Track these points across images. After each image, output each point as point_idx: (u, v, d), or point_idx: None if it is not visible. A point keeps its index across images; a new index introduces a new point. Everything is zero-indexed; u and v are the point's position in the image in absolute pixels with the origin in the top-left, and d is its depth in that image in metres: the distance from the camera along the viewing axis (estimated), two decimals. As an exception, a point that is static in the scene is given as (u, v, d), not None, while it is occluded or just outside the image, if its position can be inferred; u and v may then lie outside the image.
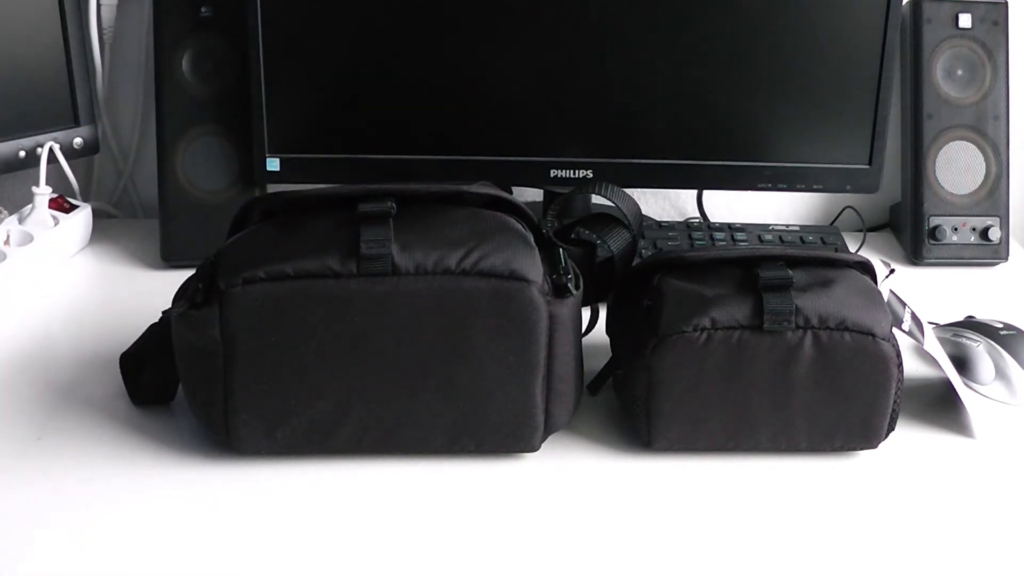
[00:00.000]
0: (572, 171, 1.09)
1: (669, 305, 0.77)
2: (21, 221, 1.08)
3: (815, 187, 1.11)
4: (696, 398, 0.78)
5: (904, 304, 0.88)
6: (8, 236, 1.06)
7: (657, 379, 0.77)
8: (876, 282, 0.82)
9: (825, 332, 0.76)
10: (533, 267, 0.74)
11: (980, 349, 0.92)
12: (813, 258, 0.81)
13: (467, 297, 0.73)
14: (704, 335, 0.76)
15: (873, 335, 0.76)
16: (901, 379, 0.78)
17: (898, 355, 0.77)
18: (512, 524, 0.74)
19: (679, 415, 0.78)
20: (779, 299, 0.76)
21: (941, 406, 0.88)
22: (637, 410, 0.79)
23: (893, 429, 0.80)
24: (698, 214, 1.22)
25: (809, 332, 0.76)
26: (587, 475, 0.79)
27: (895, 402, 0.78)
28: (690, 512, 0.75)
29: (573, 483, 0.78)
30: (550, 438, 0.80)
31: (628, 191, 1.26)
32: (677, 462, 0.80)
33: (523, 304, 0.73)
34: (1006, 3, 1.18)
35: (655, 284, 0.80)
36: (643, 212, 1.23)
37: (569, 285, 0.76)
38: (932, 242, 1.16)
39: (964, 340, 0.93)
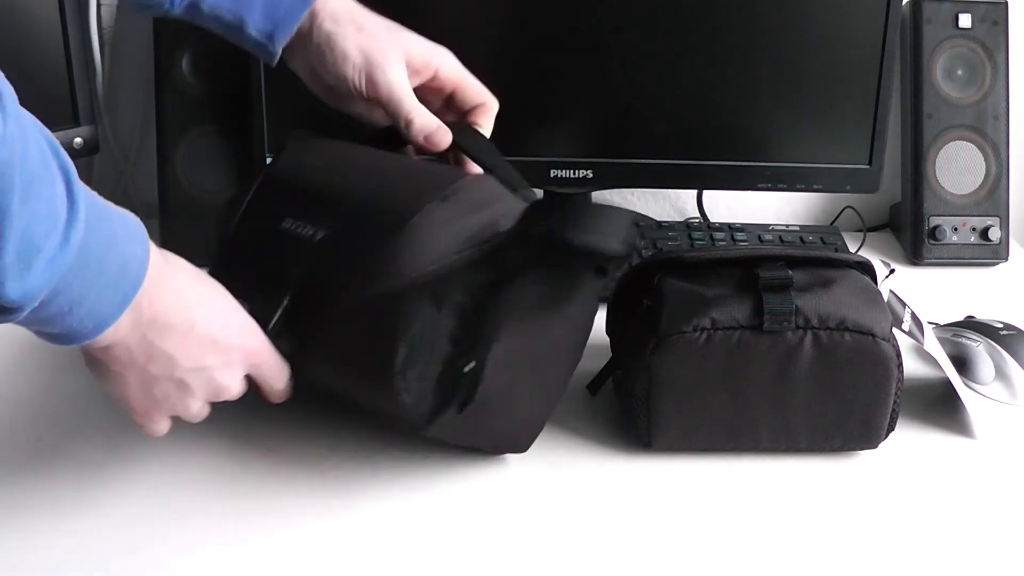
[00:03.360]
0: (572, 171, 1.09)
1: (669, 305, 0.77)
2: (21, 221, 1.08)
3: (815, 187, 1.11)
4: (696, 398, 0.78)
5: (904, 304, 0.88)
6: (8, 236, 1.06)
7: (657, 379, 0.77)
8: (876, 282, 0.82)
9: (825, 332, 0.76)
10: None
11: (980, 349, 0.92)
12: (813, 258, 0.81)
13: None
14: (704, 335, 0.76)
15: (873, 335, 0.76)
16: (901, 379, 0.78)
17: (898, 355, 0.77)
18: (512, 525, 0.74)
19: (679, 415, 0.78)
20: (779, 299, 0.76)
21: (941, 406, 0.88)
22: (637, 410, 0.79)
23: (893, 429, 0.80)
24: (698, 214, 1.22)
25: (809, 332, 0.76)
26: (587, 475, 0.79)
27: (895, 402, 0.78)
28: (690, 512, 0.75)
29: (573, 483, 0.78)
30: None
31: (628, 191, 1.27)
32: (677, 462, 0.80)
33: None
34: (1006, 3, 1.18)
35: (655, 284, 0.80)
36: (643, 212, 1.24)
37: None
38: (932, 242, 1.16)
39: (964, 340, 0.93)
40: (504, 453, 0.79)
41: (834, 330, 0.76)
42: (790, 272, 0.77)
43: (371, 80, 0.79)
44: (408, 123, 0.80)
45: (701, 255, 0.81)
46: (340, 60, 0.79)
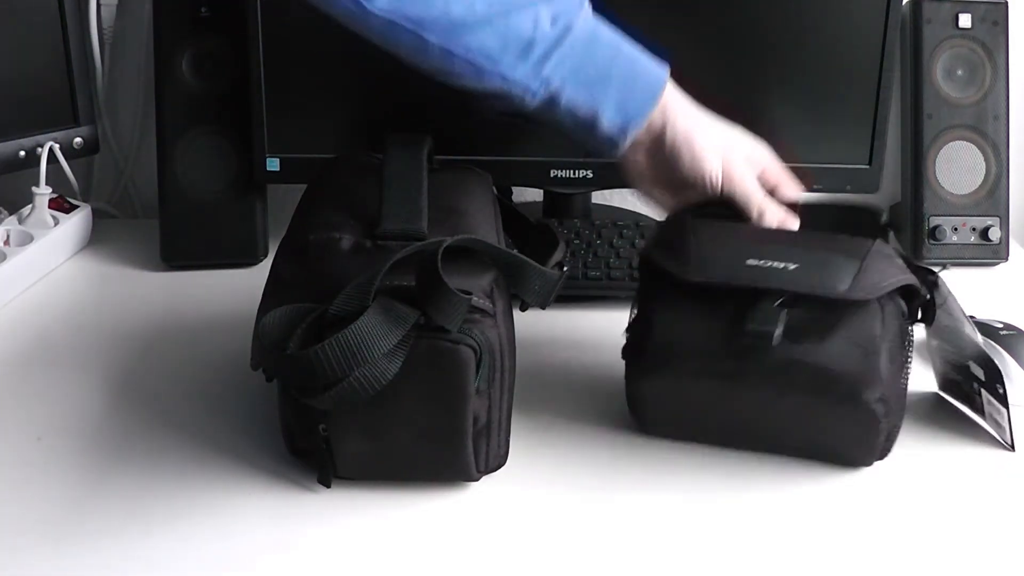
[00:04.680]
0: (572, 171, 1.09)
1: (655, 338, 0.77)
2: (21, 221, 1.09)
3: (815, 187, 1.11)
4: (687, 416, 0.80)
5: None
6: (8, 236, 1.06)
7: (649, 389, 0.79)
8: (923, 309, 0.78)
9: (810, 385, 0.74)
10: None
11: (980, 349, 0.91)
12: (820, 298, 0.74)
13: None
14: (687, 379, 0.76)
15: (856, 401, 0.73)
16: (893, 433, 0.77)
17: (887, 413, 0.74)
18: (513, 526, 0.74)
19: (673, 424, 0.81)
20: (761, 353, 0.73)
21: (941, 410, 0.88)
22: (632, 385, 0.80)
23: (886, 456, 0.79)
24: (698, 214, 1.22)
25: (793, 385, 0.74)
26: (588, 477, 0.79)
27: (885, 446, 0.77)
28: (690, 512, 0.75)
29: (572, 487, 0.78)
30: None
31: (628, 191, 1.27)
32: (678, 463, 0.80)
33: None
34: (1006, 3, 1.18)
35: (643, 310, 0.79)
36: (643, 212, 1.23)
37: None
38: (932, 242, 1.16)
39: (964, 340, 0.93)
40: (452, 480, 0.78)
41: (817, 386, 0.73)
42: (778, 330, 0.73)
43: (728, 177, 0.82)
44: (761, 215, 0.83)
45: (701, 280, 0.76)
46: (699, 157, 0.81)
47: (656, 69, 0.82)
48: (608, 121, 0.79)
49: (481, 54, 0.76)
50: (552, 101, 0.79)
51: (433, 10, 0.74)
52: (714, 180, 0.82)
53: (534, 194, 1.20)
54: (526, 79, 0.77)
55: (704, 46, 1.06)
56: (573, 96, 0.79)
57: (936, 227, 1.16)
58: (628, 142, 0.81)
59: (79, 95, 1.14)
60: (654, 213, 1.24)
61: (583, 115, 0.79)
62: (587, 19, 0.79)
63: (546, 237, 0.83)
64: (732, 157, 0.83)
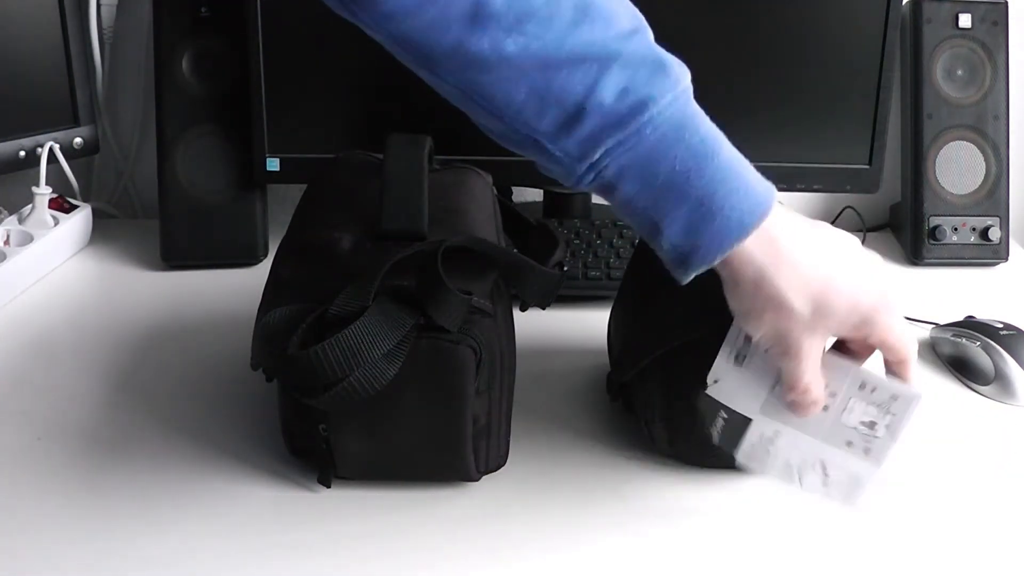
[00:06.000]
0: (572, 171, 1.09)
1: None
2: (21, 221, 1.08)
3: (815, 187, 1.11)
4: None
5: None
6: (8, 236, 1.06)
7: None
8: None
9: None
10: None
11: (980, 349, 0.92)
12: None
13: None
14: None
15: None
16: None
17: None
18: (513, 527, 0.74)
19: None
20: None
21: (940, 407, 0.88)
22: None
23: None
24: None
25: None
26: (587, 477, 0.79)
27: None
28: (690, 512, 0.75)
29: (572, 488, 0.78)
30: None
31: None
32: (679, 463, 0.80)
33: None
34: (1006, 3, 1.18)
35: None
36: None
37: None
38: (932, 242, 1.16)
39: (964, 340, 0.93)
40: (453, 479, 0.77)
41: None
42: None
43: (780, 358, 0.65)
44: (791, 390, 0.65)
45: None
46: (753, 329, 0.64)
47: (756, 194, 0.61)
48: (668, 243, 0.61)
49: (506, 107, 0.59)
50: (605, 191, 0.62)
51: (444, 38, 0.58)
52: (765, 346, 0.65)
53: (534, 194, 1.20)
54: (568, 158, 0.61)
55: (704, 45, 1.06)
56: (631, 195, 0.61)
57: (936, 227, 1.16)
58: (689, 277, 0.62)
59: (79, 95, 1.14)
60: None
61: (640, 222, 0.62)
62: (677, 102, 0.60)
63: (546, 237, 0.83)
64: (793, 351, 0.63)
